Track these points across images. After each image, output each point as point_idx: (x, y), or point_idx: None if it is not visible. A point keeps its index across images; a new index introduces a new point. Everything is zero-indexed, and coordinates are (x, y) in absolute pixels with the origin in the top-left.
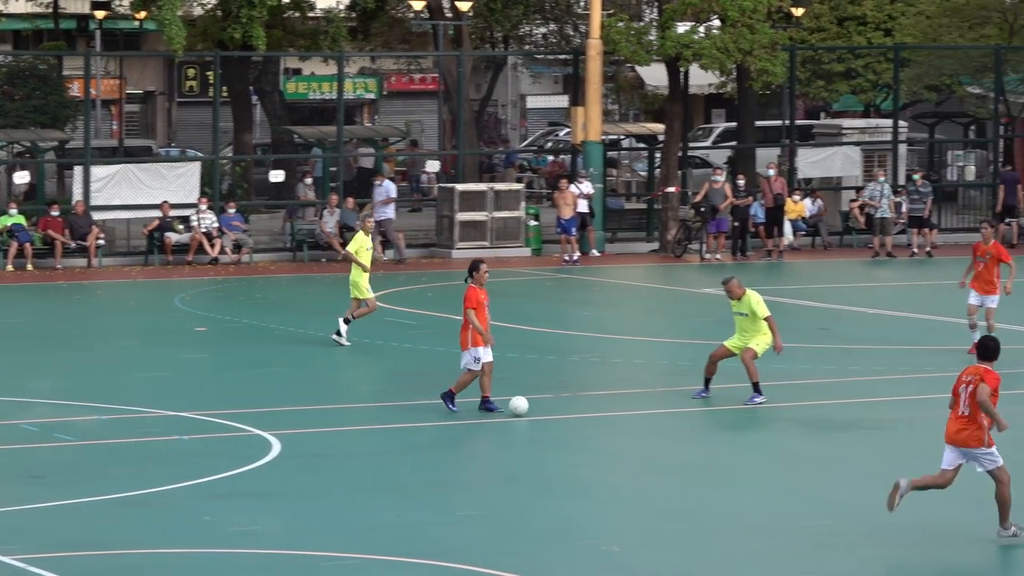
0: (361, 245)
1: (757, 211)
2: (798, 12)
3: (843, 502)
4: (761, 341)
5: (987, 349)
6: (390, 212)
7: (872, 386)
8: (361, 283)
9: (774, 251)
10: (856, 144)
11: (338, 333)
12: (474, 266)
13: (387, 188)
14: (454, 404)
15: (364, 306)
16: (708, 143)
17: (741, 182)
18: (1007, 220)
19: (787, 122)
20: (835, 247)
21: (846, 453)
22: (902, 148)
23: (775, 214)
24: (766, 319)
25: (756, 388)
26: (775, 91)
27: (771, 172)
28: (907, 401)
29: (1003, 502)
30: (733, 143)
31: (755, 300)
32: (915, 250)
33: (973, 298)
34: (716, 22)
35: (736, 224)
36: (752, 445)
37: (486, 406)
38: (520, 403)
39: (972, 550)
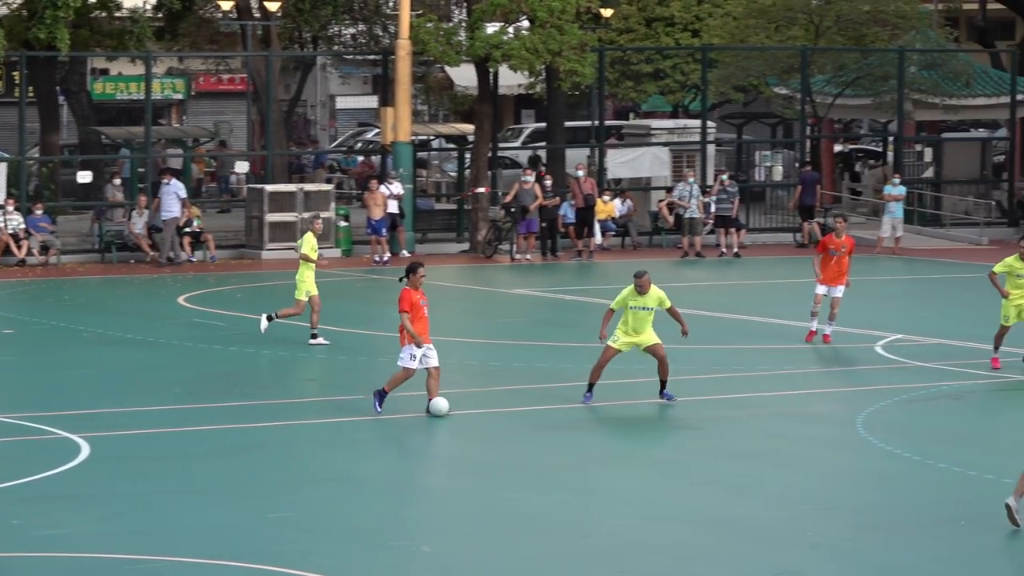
0: (313, 245)
1: (567, 211)
2: (607, 13)
3: (653, 502)
4: (653, 334)
5: None
6: (176, 211)
7: (681, 385)
8: (308, 280)
9: (584, 251)
10: (665, 144)
11: (313, 336)
12: (412, 268)
13: (175, 187)
14: (380, 405)
15: (294, 307)
16: (518, 143)
17: (548, 182)
18: (809, 220)
19: (596, 123)
20: (645, 247)
21: (655, 453)
22: (710, 148)
23: (585, 214)
24: (670, 308)
25: (665, 384)
26: (584, 92)
27: (580, 173)
28: (716, 400)
29: None
30: (543, 143)
31: (663, 293)
32: (723, 250)
33: (820, 288)
34: (525, 23)
35: (544, 224)
36: (564, 445)
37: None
38: (441, 404)
39: (791, 551)
